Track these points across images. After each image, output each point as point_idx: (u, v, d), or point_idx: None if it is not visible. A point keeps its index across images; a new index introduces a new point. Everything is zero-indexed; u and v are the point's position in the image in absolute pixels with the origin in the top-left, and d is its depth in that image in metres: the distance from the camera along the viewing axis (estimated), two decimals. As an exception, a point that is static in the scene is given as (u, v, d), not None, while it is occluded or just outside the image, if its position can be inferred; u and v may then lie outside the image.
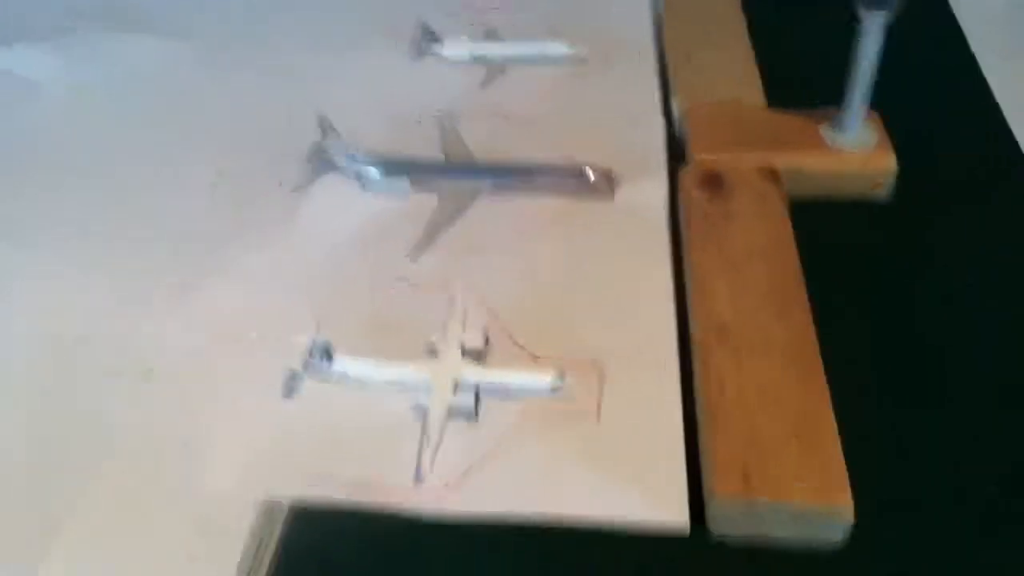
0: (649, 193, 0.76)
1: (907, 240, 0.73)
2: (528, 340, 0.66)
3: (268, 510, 0.56)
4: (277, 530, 0.55)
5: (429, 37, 0.93)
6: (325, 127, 0.80)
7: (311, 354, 0.62)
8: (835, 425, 0.55)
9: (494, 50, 0.93)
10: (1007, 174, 0.80)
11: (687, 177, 0.73)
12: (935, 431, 0.60)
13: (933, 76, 0.90)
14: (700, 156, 0.74)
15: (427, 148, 0.82)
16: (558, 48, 0.92)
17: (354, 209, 0.77)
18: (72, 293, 0.71)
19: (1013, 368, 0.64)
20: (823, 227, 0.71)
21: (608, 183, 0.76)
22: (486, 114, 0.86)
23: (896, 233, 0.73)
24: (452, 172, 0.79)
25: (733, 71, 0.85)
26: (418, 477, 0.57)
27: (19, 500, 0.58)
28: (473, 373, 0.61)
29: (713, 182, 0.72)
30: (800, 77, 0.86)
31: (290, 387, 0.62)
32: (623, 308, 0.67)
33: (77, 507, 0.57)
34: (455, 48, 0.93)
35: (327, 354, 0.62)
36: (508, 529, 0.55)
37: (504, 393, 0.61)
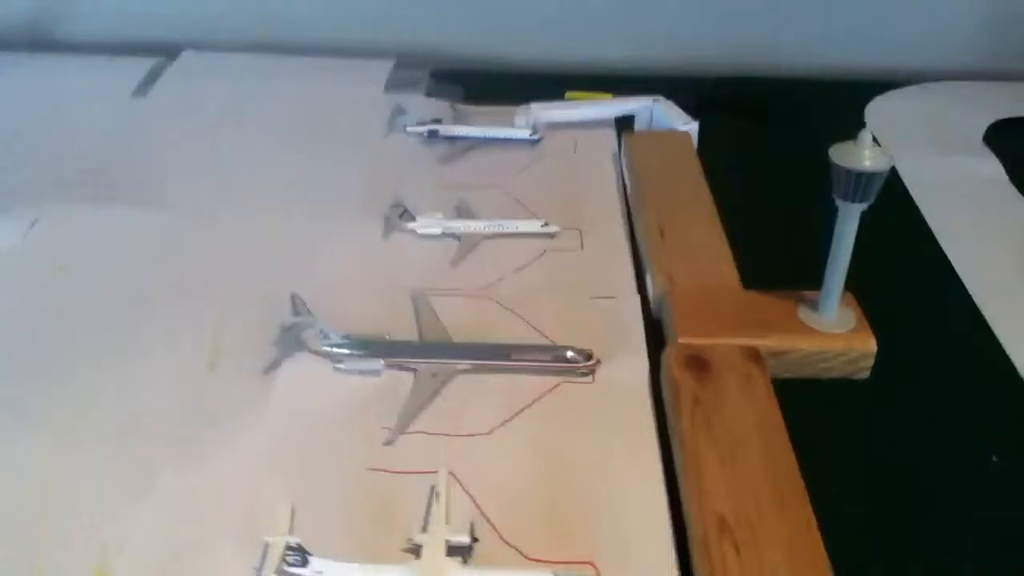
0: (630, 373, 0.75)
1: (885, 415, 0.73)
2: (514, 534, 0.62)
3: None
4: None
5: (402, 213, 0.93)
6: (298, 305, 0.78)
7: (284, 558, 0.57)
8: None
9: (467, 226, 0.93)
10: (970, 340, 0.81)
11: (672, 359, 0.72)
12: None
13: (893, 252, 0.92)
14: (685, 339, 0.73)
15: (401, 325, 0.80)
16: (530, 224, 0.92)
17: (326, 390, 0.74)
18: (23, 483, 0.66)
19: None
20: (805, 405, 0.70)
21: (588, 363, 0.75)
22: (458, 290, 0.85)
23: (874, 407, 0.74)
24: (427, 352, 0.77)
25: (706, 249, 0.85)
26: None
27: None
28: (459, 575, 0.57)
29: (699, 364, 0.70)
30: (768, 253, 0.88)
31: (259, 593, 0.58)
32: (614, 498, 0.64)
33: None
34: (428, 224, 0.93)
35: (302, 558, 0.57)
36: None
37: (494, 597, 0.57)
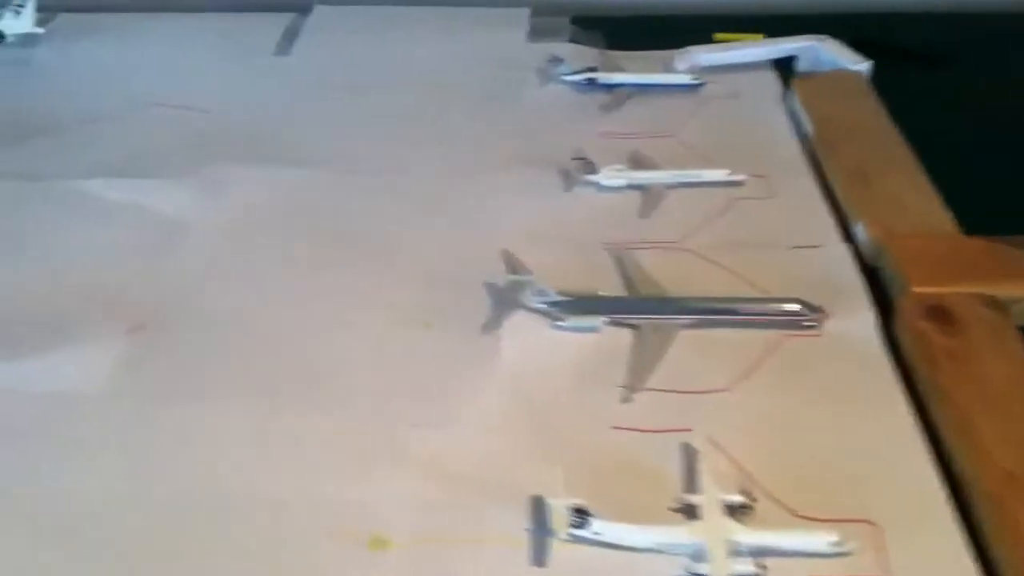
0: (858, 324, 0.73)
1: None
2: (777, 491, 0.61)
3: None
4: None
5: (584, 166, 0.91)
6: (513, 264, 0.77)
7: (568, 517, 0.57)
8: None
9: (652, 177, 0.91)
10: None
11: (910, 309, 0.70)
12: None
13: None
14: (921, 288, 0.71)
15: (601, 279, 0.79)
16: (716, 173, 0.90)
17: (549, 348, 0.73)
18: (270, 448, 0.66)
19: None
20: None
21: (815, 316, 0.73)
22: (653, 243, 0.84)
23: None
24: (647, 308, 0.75)
25: (912, 194, 0.83)
26: (710, 655, 0.52)
27: None
28: (745, 535, 0.57)
29: (940, 315, 0.69)
30: (966, 197, 0.84)
31: (540, 552, 0.57)
32: (873, 454, 0.63)
33: None
34: (611, 176, 0.91)
35: (583, 519, 0.57)
36: None
37: (779, 556, 0.56)
